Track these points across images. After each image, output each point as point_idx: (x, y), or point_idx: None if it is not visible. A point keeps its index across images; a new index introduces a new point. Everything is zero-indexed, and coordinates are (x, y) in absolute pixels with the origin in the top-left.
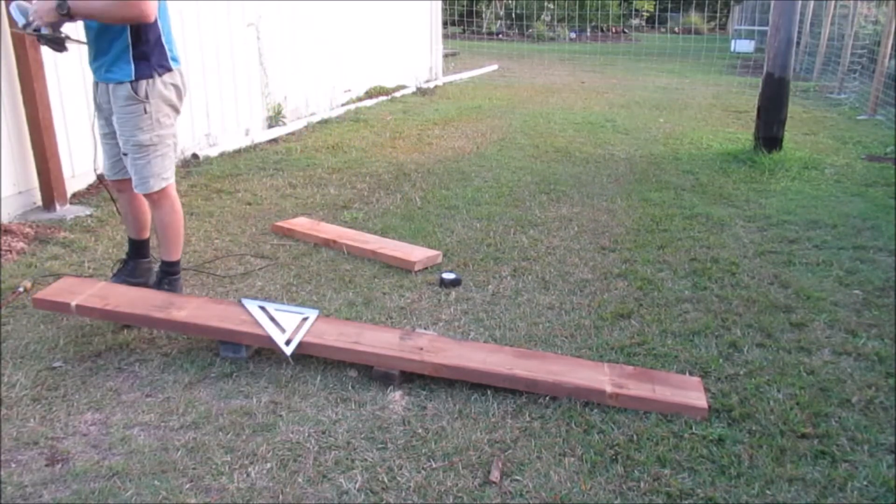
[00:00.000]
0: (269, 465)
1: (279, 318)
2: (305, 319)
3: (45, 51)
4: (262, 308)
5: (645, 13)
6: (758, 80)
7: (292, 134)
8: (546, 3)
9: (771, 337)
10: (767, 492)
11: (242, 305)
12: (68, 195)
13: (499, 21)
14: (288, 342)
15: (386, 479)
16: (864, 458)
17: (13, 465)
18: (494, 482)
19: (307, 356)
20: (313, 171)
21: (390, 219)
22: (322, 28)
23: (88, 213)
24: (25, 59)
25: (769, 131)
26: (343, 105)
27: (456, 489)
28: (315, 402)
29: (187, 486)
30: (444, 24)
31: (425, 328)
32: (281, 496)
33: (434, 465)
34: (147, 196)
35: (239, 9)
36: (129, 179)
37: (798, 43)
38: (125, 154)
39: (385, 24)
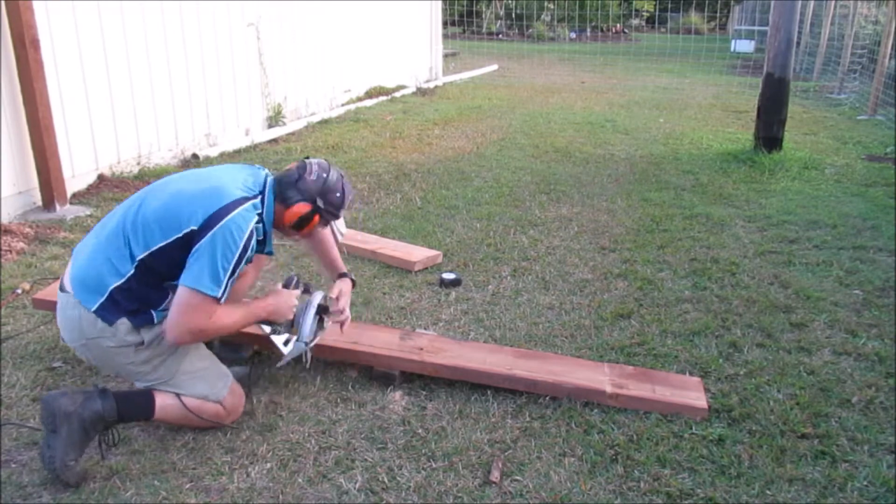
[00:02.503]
0: (269, 465)
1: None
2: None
3: (46, 51)
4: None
5: (645, 13)
6: (758, 80)
7: (292, 134)
8: (546, 3)
9: (771, 337)
10: (767, 492)
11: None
12: (68, 195)
13: (499, 21)
14: (286, 342)
15: (386, 479)
16: (864, 458)
17: (13, 465)
18: (494, 482)
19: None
20: None
21: (390, 219)
22: (322, 28)
23: (88, 213)
24: (25, 59)
25: (769, 131)
26: (343, 105)
27: (456, 489)
28: (315, 402)
29: (187, 486)
30: (444, 24)
31: (425, 328)
32: (281, 496)
33: (434, 465)
34: None
35: (239, 9)
36: None
37: (798, 43)
38: None
39: (385, 25)
